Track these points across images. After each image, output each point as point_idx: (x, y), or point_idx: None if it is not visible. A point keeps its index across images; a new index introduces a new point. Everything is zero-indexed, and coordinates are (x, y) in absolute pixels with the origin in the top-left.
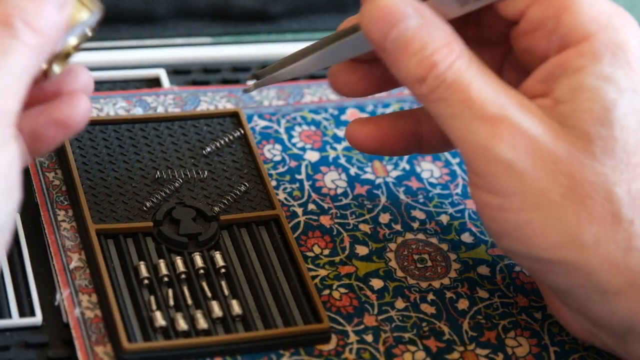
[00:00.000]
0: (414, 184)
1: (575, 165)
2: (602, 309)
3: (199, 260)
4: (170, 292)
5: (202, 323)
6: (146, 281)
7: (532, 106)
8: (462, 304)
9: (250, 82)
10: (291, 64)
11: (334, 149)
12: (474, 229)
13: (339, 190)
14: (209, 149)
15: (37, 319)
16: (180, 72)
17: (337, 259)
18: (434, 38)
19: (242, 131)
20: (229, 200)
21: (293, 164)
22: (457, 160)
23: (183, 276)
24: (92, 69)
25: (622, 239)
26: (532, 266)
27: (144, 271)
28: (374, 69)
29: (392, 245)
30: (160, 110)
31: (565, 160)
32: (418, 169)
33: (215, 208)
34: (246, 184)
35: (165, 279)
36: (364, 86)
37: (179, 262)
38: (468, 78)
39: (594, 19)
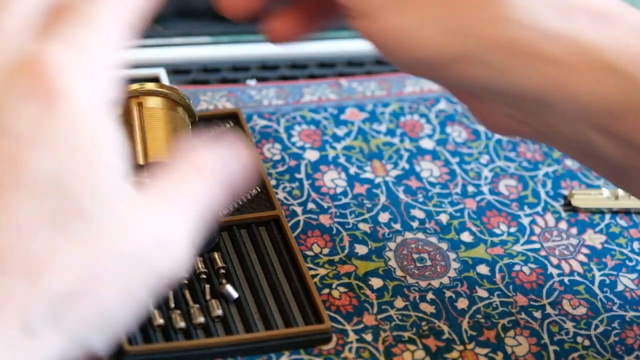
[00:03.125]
0: (413, 183)
1: None
2: (511, 84)
3: (200, 265)
4: (170, 294)
5: (199, 317)
6: None
7: None
8: (462, 303)
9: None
10: None
11: (334, 148)
12: (473, 228)
13: (339, 190)
14: None
15: None
16: (179, 72)
17: (336, 258)
18: None
19: (242, 131)
20: (234, 207)
21: (293, 163)
22: (457, 159)
23: (185, 281)
24: None
25: (489, 15)
26: (430, 73)
27: None
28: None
29: (392, 245)
30: None
31: None
32: (417, 168)
33: (225, 210)
34: (257, 187)
35: None
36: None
37: None
38: None
39: None
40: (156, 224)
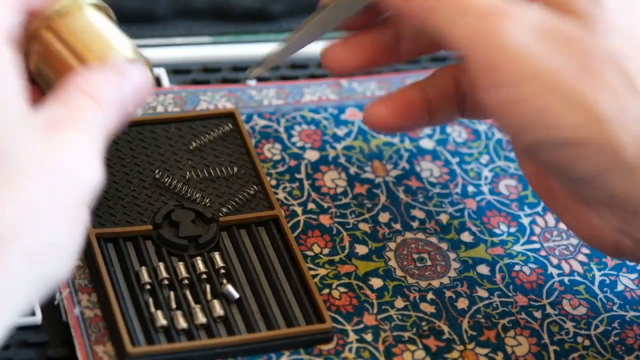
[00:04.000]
0: (413, 183)
1: (586, 42)
2: (631, 190)
3: (200, 265)
4: (172, 294)
5: (201, 317)
6: (148, 286)
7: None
8: (462, 303)
9: (254, 72)
10: (289, 40)
11: (334, 148)
12: (473, 228)
13: (339, 190)
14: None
15: (37, 318)
16: (180, 72)
17: (336, 258)
18: None
19: (239, 131)
20: (233, 205)
21: (293, 163)
22: (457, 159)
23: (185, 281)
24: None
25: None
26: (557, 156)
27: (145, 275)
28: (364, 40)
29: (392, 245)
30: (160, 109)
31: (576, 38)
32: (418, 169)
33: (223, 209)
34: (254, 187)
35: (166, 281)
36: (355, 59)
37: (181, 267)
38: None
39: None
40: (69, 146)
